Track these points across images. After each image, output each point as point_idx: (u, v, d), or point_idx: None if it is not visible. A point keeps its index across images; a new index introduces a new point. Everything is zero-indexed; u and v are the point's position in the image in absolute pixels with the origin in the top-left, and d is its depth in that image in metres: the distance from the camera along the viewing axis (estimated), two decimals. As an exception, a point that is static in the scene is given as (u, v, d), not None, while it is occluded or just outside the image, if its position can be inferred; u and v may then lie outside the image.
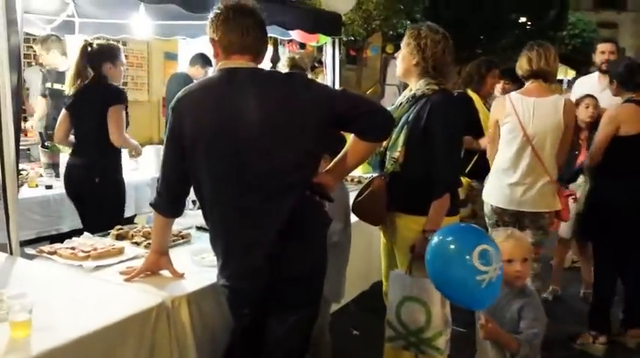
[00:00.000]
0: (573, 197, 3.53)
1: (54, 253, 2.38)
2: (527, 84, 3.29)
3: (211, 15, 1.99)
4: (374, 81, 14.65)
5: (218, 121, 1.91)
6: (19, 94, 2.35)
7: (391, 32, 11.40)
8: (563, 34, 15.94)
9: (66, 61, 4.92)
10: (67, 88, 3.33)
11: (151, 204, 2.17)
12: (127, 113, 3.40)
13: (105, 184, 3.33)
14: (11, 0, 2.29)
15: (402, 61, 2.56)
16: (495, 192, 3.34)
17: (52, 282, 2.11)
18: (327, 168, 2.15)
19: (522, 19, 14.48)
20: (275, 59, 9.22)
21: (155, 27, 5.07)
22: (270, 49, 11.09)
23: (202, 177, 1.96)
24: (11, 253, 2.40)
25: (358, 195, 2.65)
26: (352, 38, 11.43)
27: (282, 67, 4.48)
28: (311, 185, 2.00)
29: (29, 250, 2.46)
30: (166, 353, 2.00)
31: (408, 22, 10.89)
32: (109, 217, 3.03)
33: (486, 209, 3.42)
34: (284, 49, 11.95)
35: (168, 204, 2.14)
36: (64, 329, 1.71)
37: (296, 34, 4.70)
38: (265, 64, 9.51)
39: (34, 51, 5.29)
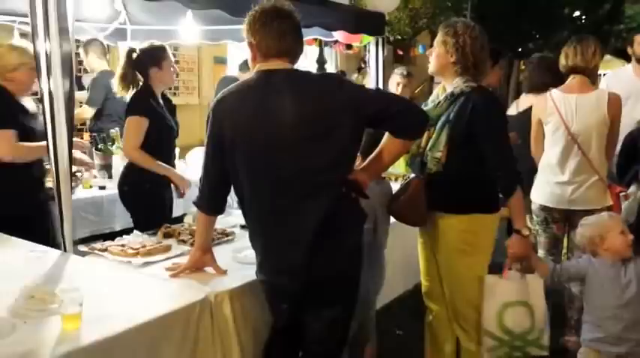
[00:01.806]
0: (624, 194, 3.41)
1: (105, 250, 2.50)
2: (568, 80, 3.22)
3: (248, 18, 2.05)
4: (422, 79, 14.51)
5: (254, 122, 1.97)
6: (71, 99, 2.47)
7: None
8: (620, 27, 15.31)
9: (104, 63, 5.10)
10: (118, 93, 3.38)
11: (194, 203, 2.25)
12: (161, 126, 3.27)
13: (132, 194, 3.31)
14: (63, 8, 2.41)
15: (437, 58, 2.53)
16: (543, 191, 3.28)
17: (102, 278, 2.22)
18: (362, 165, 2.18)
19: (576, 13, 14.04)
20: (321, 60, 9.29)
21: (203, 32, 5.21)
22: (315, 50, 11.22)
23: (241, 176, 2.02)
24: (65, 250, 2.53)
25: (395, 198, 2.64)
26: (399, 37, 11.36)
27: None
28: (346, 182, 2.03)
29: (82, 247, 2.58)
30: (209, 347, 2.07)
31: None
32: (145, 223, 3.02)
33: (534, 207, 3.35)
34: (330, 49, 12.02)
35: (210, 202, 2.21)
36: (113, 321, 1.80)
37: (339, 35, 4.73)
38: (311, 65, 9.58)
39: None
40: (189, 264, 2.31)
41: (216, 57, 10.37)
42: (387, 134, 2.16)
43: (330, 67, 12.09)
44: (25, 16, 4.52)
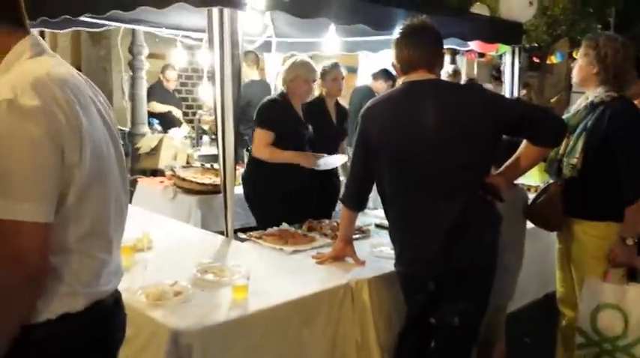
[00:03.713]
0: None
1: (260, 238, 2.85)
2: None
3: (394, 35, 2.27)
4: (559, 88, 13.85)
5: (398, 128, 2.18)
6: (238, 105, 2.84)
7: (579, 37, 10.71)
8: None
9: (255, 72, 5.56)
10: None
11: (340, 199, 2.51)
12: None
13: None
14: (235, 24, 2.77)
15: (580, 70, 2.62)
16: None
17: (260, 259, 2.57)
18: (500, 170, 2.31)
19: None
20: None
21: (342, 43, 5.53)
22: (447, 58, 11.18)
23: (384, 176, 2.24)
24: (227, 236, 2.91)
25: (533, 202, 2.73)
26: (535, 45, 10.98)
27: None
28: (483, 184, 2.18)
29: (241, 235, 2.95)
30: (350, 327, 2.32)
31: (599, 27, 10.16)
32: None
33: None
34: (462, 57, 11.92)
35: (354, 199, 2.46)
36: (273, 295, 2.11)
37: (474, 45, 4.81)
38: (442, 74, 9.56)
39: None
40: (333, 253, 2.58)
41: (347, 66, 10.75)
42: (525, 141, 2.28)
43: (462, 76, 11.98)
44: (187, 30, 5.20)
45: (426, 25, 2.23)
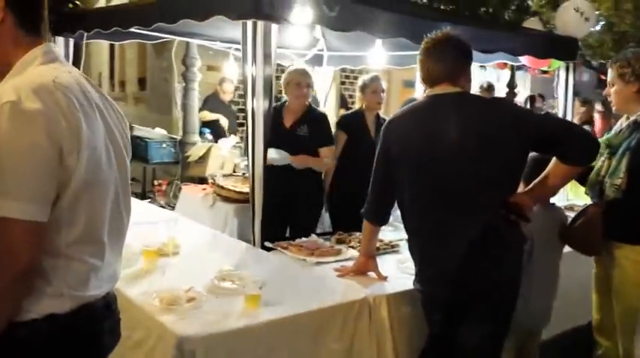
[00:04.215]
0: None
1: (286, 248, 2.86)
2: None
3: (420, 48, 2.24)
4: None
5: (419, 141, 2.14)
6: (269, 116, 2.88)
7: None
8: None
9: None
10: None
11: (361, 213, 2.48)
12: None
13: None
14: (268, 37, 2.81)
15: (618, 93, 2.51)
16: None
17: (282, 269, 2.57)
18: (527, 188, 2.22)
19: None
20: (511, 84, 9.08)
21: (392, 57, 5.50)
22: (507, 73, 10.94)
23: (404, 190, 2.20)
24: (254, 245, 2.93)
25: (570, 224, 2.61)
26: (603, 61, 10.57)
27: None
28: (507, 203, 2.09)
29: (268, 244, 2.96)
30: (366, 343, 2.27)
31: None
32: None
33: None
34: (525, 73, 11.62)
35: (375, 212, 2.42)
36: (286, 306, 2.11)
37: (526, 60, 4.67)
38: (502, 89, 9.37)
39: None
40: (354, 267, 2.55)
41: (405, 80, 10.70)
42: (554, 159, 2.18)
43: (523, 92, 11.69)
44: (240, 43, 5.31)
45: (449, 38, 2.18)
